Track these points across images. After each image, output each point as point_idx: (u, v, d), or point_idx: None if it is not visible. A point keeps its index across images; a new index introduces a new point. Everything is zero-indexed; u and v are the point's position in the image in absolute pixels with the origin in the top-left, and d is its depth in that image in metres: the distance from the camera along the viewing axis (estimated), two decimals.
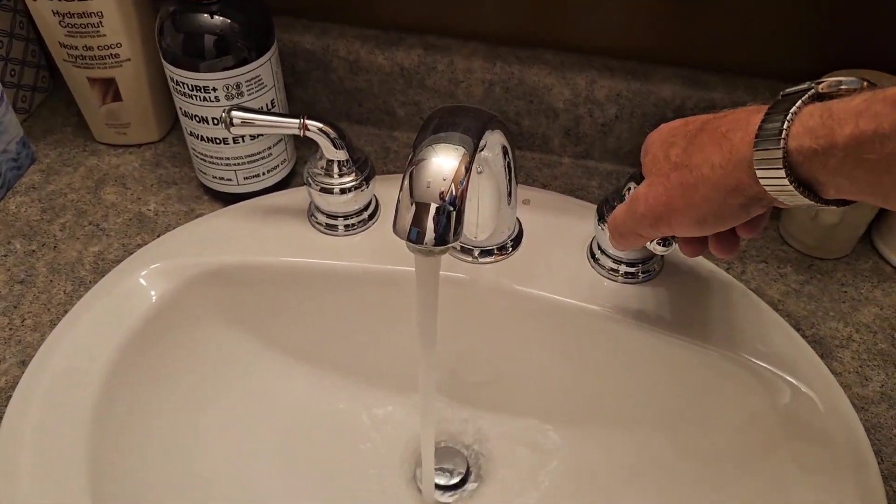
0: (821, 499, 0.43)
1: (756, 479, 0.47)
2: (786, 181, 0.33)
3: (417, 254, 0.41)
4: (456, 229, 0.40)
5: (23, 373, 0.48)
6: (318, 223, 0.56)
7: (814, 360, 0.49)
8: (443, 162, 0.40)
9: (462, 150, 0.40)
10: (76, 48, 0.59)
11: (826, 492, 0.43)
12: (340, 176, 0.53)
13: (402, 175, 0.59)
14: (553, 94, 0.61)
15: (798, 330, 0.51)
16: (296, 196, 0.59)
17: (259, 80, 0.54)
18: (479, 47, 0.61)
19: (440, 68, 0.62)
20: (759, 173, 0.34)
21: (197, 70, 0.52)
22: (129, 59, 0.60)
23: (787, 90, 0.35)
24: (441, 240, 0.40)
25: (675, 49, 0.59)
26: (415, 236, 0.40)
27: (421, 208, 0.40)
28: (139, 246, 0.56)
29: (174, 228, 0.57)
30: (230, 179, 0.58)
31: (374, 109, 0.66)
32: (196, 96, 0.53)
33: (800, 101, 0.33)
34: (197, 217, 0.59)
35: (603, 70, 0.60)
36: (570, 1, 0.58)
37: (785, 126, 0.32)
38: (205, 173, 0.59)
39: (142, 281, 0.53)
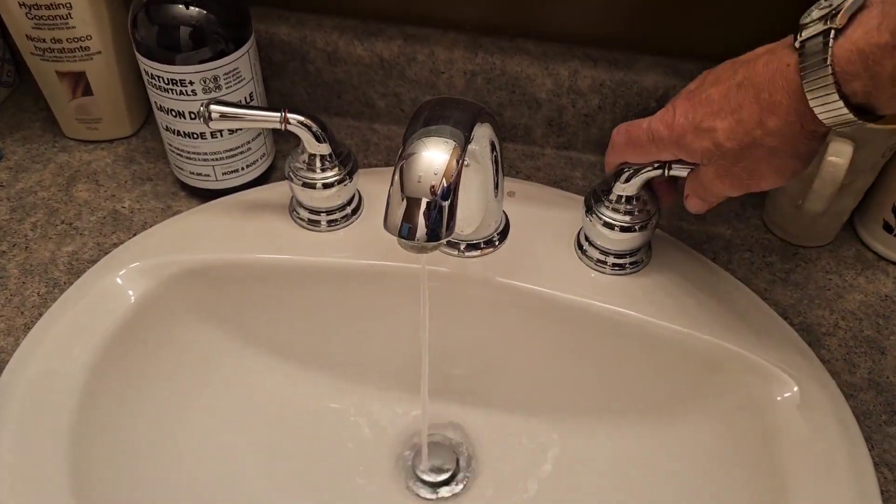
0: (815, 487, 0.43)
1: (749, 468, 0.47)
2: (851, 116, 0.35)
3: (409, 250, 0.40)
4: (448, 224, 0.39)
5: None
6: (299, 219, 0.55)
7: (803, 348, 0.49)
8: (434, 156, 0.39)
9: (453, 143, 0.39)
10: (44, 41, 0.57)
11: (820, 480, 0.43)
12: (323, 170, 0.52)
13: (383, 168, 0.59)
14: (536, 84, 0.60)
15: (785, 318, 0.51)
16: (276, 191, 0.57)
17: (237, 73, 0.53)
18: (459, 37, 0.60)
19: (421, 59, 0.61)
20: (825, 120, 0.36)
21: (172, 63, 0.51)
22: (99, 52, 0.58)
23: (805, 36, 0.36)
24: (433, 235, 0.39)
25: (658, 38, 0.59)
26: (406, 232, 0.39)
27: (412, 203, 0.39)
28: (115, 245, 0.55)
29: (151, 226, 0.56)
30: (208, 175, 0.56)
31: (353, 101, 0.65)
32: (172, 90, 0.52)
33: (830, 50, 0.34)
34: (174, 214, 0.57)
35: (586, 60, 0.59)
36: None
37: (833, 80, 0.34)
38: (181, 169, 0.57)
39: (119, 281, 0.51)
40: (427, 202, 0.39)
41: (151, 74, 0.52)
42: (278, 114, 0.50)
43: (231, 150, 0.56)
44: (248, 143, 0.56)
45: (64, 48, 0.57)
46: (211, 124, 0.49)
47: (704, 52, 0.58)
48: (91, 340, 0.48)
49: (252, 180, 0.58)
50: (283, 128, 0.50)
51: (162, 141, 0.57)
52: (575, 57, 0.59)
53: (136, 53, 0.52)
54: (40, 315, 0.50)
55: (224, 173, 0.57)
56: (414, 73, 0.62)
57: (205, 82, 0.51)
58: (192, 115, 0.53)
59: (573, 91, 0.60)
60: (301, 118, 0.50)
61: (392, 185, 0.39)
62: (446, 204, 0.39)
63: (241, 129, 0.55)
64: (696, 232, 0.57)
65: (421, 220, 0.39)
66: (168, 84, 0.51)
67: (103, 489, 0.46)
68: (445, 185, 0.39)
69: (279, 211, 0.56)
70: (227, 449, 0.54)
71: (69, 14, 0.55)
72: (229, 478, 0.53)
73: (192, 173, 0.57)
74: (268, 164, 0.59)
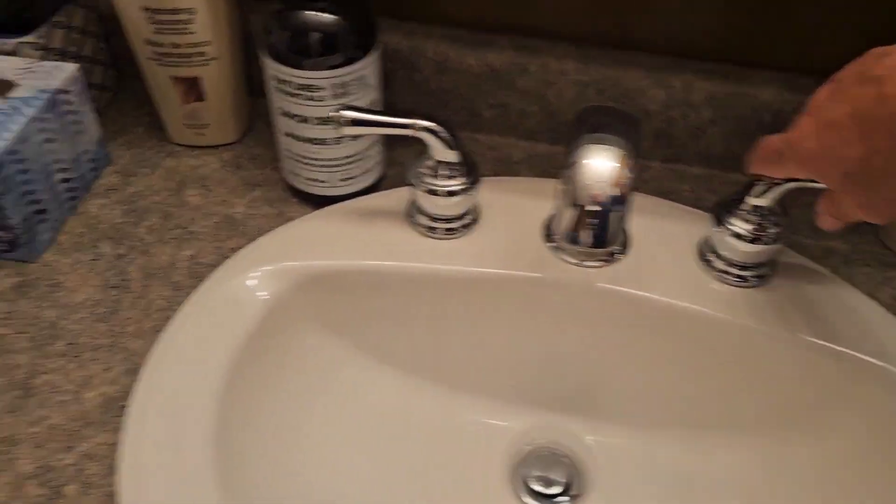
0: None
1: (890, 483, 0.46)
2: None
3: (576, 256, 0.40)
4: (617, 231, 0.39)
5: (132, 381, 0.46)
6: (419, 225, 0.55)
7: None
8: (603, 163, 0.39)
9: (621, 150, 0.39)
10: (163, 45, 0.57)
11: None
12: (449, 178, 0.52)
13: (491, 177, 0.58)
14: (646, 96, 0.60)
15: None
16: (392, 198, 0.57)
17: (364, 80, 0.53)
18: (570, 49, 0.60)
19: (532, 69, 0.61)
20: None
21: (302, 68, 0.51)
22: (215, 58, 0.58)
23: None
24: (600, 241, 0.39)
25: (773, 51, 0.59)
26: (576, 239, 0.39)
27: (581, 210, 0.39)
28: (233, 249, 0.55)
29: (266, 232, 0.56)
30: (325, 181, 0.56)
31: (459, 110, 0.65)
32: (301, 95, 0.52)
33: None
34: (288, 220, 0.57)
35: (699, 73, 0.59)
36: (663, 1, 0.58)
37: None
38: (298, 175, 0.57)
39: (249, 285, 0.51)
40: (596, 209, 0.39)
41: (280, 79, 0.52)
42: (411, 120, 0.49)
43: (350, 156, 0.56)
44: (367, 149, 0.56)
45: (182, 53, 0.57)
46: (343, 130, 0.49)
47: (820, 66, 0.59)
48: (225, 343, 0.48)
49: (366, 187, 0.58)
50: (413, 134, 0.50)
51: (269, 147, 0.57)
52: (687, 69, 0.59)
53: (267, 58, 0.52)
54: (167, 319, 0.50)
55: (341, 180, 0.56)
56: (524, 84, 0.62)
57: (334, 88, 0.51)
58: (318, 121, 0.53)
59: (685, 103, 0.60)
60: (433, 125, 0.50)
61: (562, 192, 0.39)
62: (616, 211, 0.39)
63: (362, 136, 0.55)
64: (813, 246, 0.57)
65: (590, 227, 0.39)
66: (297, 89, 0.51)
67: (245, 497, 0.45)
68: (615, 192, 0.39)
69: (397, 218, 0.56)
70: (341, 457, 0.54)
71: (191, 19, 0.56)
72: (343, 486, 0.53)
73: (309, 179, 0.57)
74: (381, 171, 0.59)
